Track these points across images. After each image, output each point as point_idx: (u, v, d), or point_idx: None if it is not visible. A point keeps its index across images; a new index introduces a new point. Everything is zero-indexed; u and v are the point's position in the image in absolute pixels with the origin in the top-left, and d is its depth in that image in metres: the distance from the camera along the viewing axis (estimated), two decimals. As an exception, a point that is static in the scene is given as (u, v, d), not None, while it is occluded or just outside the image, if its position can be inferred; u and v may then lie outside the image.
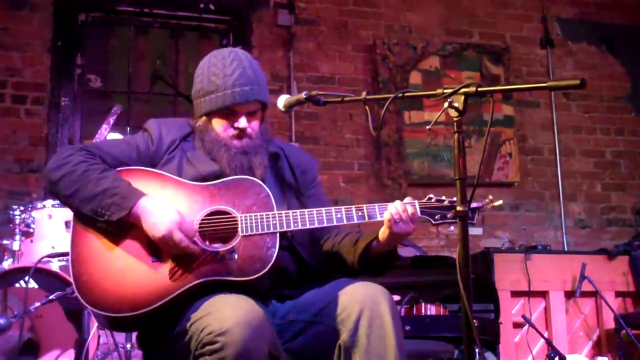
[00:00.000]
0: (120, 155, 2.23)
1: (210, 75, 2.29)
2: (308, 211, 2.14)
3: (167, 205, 2.07)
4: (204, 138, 2.30)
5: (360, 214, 2.15)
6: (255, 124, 2.32)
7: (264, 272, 2.05)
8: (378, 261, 2.24)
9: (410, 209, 2.14)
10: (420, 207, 2.18)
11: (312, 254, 2.32)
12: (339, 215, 2.15)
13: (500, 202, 2.19)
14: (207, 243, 2.09)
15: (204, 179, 2.21)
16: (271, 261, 2.06)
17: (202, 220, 2.12)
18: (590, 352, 4.79)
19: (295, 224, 2.12)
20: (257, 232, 2.09)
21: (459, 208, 1.83)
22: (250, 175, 2.24)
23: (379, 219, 2.15)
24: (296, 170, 2.42)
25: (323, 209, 2.15)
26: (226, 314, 1.85)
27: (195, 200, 2.15)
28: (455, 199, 2.15)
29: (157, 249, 2.07)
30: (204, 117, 2.32)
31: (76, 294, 2.03)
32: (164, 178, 2.19)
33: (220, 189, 2.17)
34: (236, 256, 2.07)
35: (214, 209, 2.14)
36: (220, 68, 2.29)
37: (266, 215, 2.11)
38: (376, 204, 2.16)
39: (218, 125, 2.30)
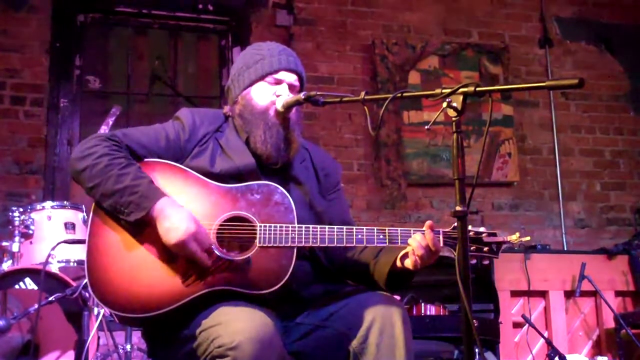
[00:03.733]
0: (147, 143, 2.18)
1: (253, 53, 2.34)
2: (329, 228, 2.10)
3: (184, 211, 2.02)
4: (244, 114, 2.28)
5: (381, 237, 2.11)
6: None
7: (276, 287, 2.02)
8: (398, 279, 2.21)
9: (433, 239, 2.06)
10: (444, 238, 2.10)
11: (329, 258, 2.30)
12: (359, 236, 2.10)
13: (528, 238, 2.16)
14: (224, 250, 2.07)
15: (239, 172, 2.18)
16: (286, 277, 2.04)
17: (221, 224, 2.09)
18: (590, 351, 4.80)
19: (314, 241, 2.08)
20: (274, 245, 2.06)
21: (457, 208, 1.83)
22: (286, 149, 2.25)
23: (400, 244, 2.11)
24: (320, 173, 2.40)
25: (344, 227, 2.11)
26: (238, 327, 1.84)
27: (217, 202, 2.11)
28: (481, 229, 2.15)
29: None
30: (244, 92, 2.30)
31: (89, 287, 2.01)
32: (187, 175, 2.15)
33: (244, 193, 2.13)
34: (251, 267, 2.04)
35: (234, 214, 2.10)
36: (264, 46, 2.35)
37: (286, 227, 2.07)
38: (399, 228, 2.12)
39: (259, 95, 2.28)
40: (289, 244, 2.07)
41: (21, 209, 3.80)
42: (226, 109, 2.38)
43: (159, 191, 2.04)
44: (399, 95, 2.04)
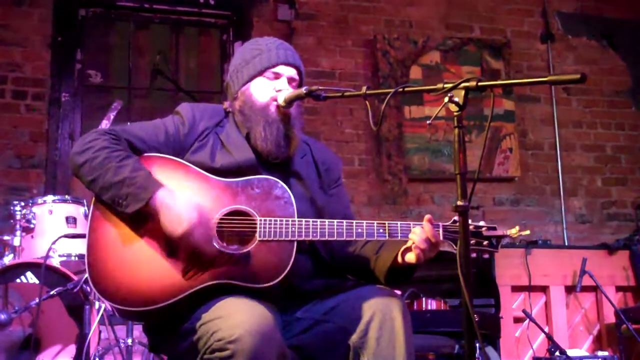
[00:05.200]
0: (147, 137, 2.18)
1: (251, 49, 2.34)
2: (329, 222, 2.10)
3: (185, 201, 2.03)
4: (244, 110, 2.28)
5: (381, 230, 2.10)
6: None
7: (276, 281, 2.02)
8: (399, 275, 2.20)
9: (433, 232, 2.05)
10: (443, 232, 2.09)
11: (330, 253, 2.30)
12: (359, 230, 2.09)
13: (527, 232, 2.15)
14: (225, 244, 2.07)
15: (239, 167, 2.18)
16: (285, 270, 2.04)
17: (221, 218, 2.09)
18: (590, 346, 4.80)
19: (314, 234, 2.08)
20: (274, 239, 2.06)
21: (459, 203, 1.83)
22: (287, 145, 2.25)
23: (400, 238, 2.10)
24: (320, 168, 2.40)
25: (344, 221, 2.10)
26: (237, 320, 1.84)
27: (217, 196, 2.11)
28: (481, 223, 2.14)
29: (174, 243, 2.05)
30: (243, 88, 2.30)
31: (89, 281, 2.02)
32: (188, 170, 2.15)
33: (244, 187, 2.13)
34: (251, 261, 2.04)
35: (234, 209, 2.10)
36: (262, 41, 2.35)
37: (286, 221, 2.07)
38: (399, 222, 2.11)
39: (259, 90, 2.28)
40: (289, 238, 2.07)
41: (22, 203, 3.80)
42: (226, 104, 2.38)
43: (157, 182, 2.04)
44: (401, 90, 2.04)
